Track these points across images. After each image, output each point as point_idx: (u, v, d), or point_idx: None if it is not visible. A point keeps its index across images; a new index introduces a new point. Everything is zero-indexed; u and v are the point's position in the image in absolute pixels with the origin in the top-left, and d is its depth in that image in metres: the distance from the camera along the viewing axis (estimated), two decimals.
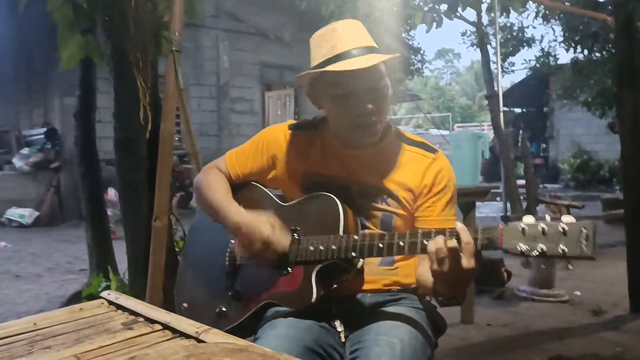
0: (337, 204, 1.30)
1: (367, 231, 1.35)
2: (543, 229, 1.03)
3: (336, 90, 1.32)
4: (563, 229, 1.01)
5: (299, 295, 1.28)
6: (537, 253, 1.03)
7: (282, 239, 1.31)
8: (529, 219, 1.06)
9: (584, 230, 1.00)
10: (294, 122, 1.53)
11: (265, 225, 1.30)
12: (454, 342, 3.07)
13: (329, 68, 1.29)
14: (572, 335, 3.25)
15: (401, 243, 1.18)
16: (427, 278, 1.19)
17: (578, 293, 4.14)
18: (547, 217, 1.05)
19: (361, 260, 1.31)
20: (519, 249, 1.05)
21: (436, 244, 1.11)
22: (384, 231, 1.33)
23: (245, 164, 1.50)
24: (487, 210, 9.50)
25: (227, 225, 1.38)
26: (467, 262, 1.10)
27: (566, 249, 1.01)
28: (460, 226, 1.12)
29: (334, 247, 1.25)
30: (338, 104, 1.33)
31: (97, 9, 2.52)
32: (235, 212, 1.37)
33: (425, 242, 1.14)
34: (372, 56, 1.30)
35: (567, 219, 1.02)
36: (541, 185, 12.48)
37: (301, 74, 1.35)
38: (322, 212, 1.33)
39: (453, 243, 1.10)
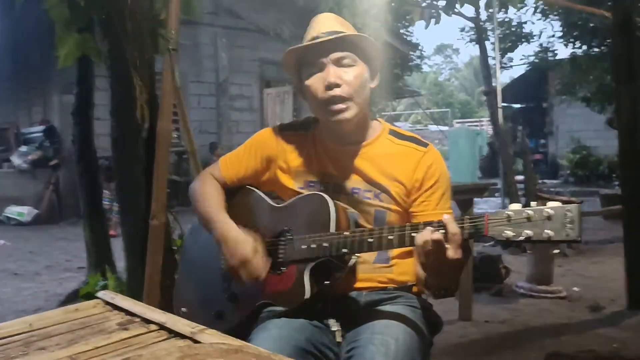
0: (327, 203, 1.31)
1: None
2: (528, 214, 1.04)
3: (309, 69, 1.37)
4: (548, 213, 1.02)
5: (292, 294, 1.28)
6: (523, 238, 1.04)
7: (260, 265, 1.31)
8: (515, 206, 1.07)
9: (569, 214, 1.01)
10: (285, 123, 1.54)
11: (248, 245, 1.32)
12: (452, 339, 3.08)
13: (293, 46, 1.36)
14: (569, 331, 3.26)
15: (390, 237, 1.19)
16: (422, 272, 1.20)
17: (576, 289, 4.15)
18: (533, 204, 1.06)
19: (353, 257, 1.31)
20: (505, 236, 1.06)
21: (422, 236, 1.13)
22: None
23: (239, 168, 1.51)
24: (486, 206, 9.48)
25: (214, 235, 1.39)
26: (453, 252, 1.11)
27: (551, 233, 1.02)
28: (446, 217, 1.13)
29: (325, 244, 1.26)
30: (310, 83, 1.36)
31: (94, 7, 2.51)
32: (224, 224, 1.38)
33: (413, 234, 1.15)
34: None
35: (552, 203, 1.03)
36: (540, 181, 12.49)
37: (283, 57, 1.40)
38: (314, 211, 1.33)
39: (438, 235, 1.11)
